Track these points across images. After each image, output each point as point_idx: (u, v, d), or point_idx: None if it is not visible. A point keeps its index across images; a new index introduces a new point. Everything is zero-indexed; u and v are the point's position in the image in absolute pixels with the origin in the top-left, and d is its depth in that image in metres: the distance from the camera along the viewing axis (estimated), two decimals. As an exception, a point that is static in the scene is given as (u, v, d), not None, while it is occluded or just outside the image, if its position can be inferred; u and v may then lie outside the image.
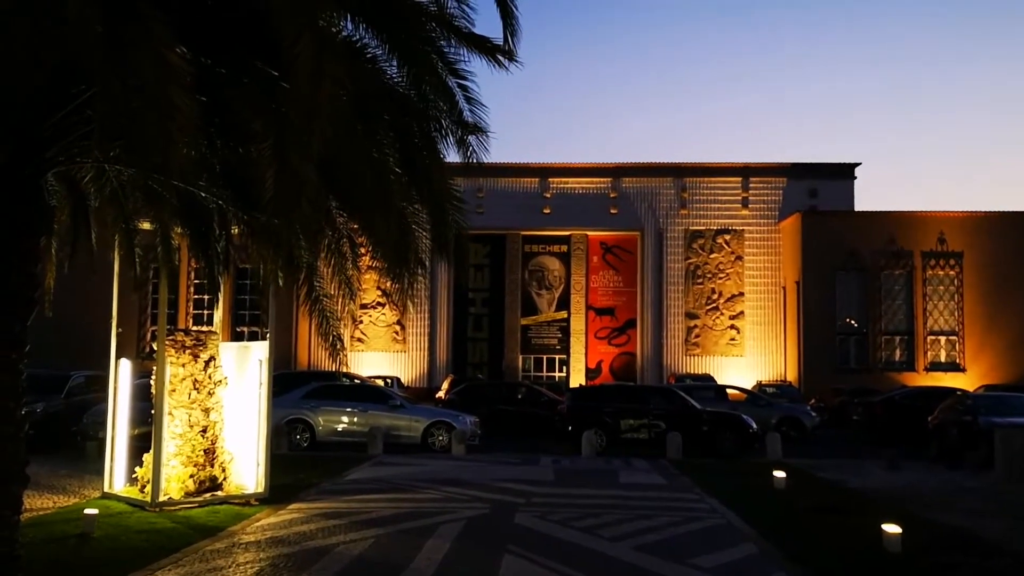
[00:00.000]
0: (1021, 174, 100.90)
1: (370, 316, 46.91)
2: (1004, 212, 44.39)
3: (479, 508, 12.40)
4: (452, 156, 9.23)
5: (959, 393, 25.72)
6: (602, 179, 49.09)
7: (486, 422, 23.62)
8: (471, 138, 8.96)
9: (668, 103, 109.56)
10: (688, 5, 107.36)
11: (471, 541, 10.19)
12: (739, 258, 48.23)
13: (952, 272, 43.48)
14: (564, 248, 49.47)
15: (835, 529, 11.26)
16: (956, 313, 43.29)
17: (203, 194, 9.53)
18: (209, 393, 12.58)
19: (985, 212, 44.59)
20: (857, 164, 49.81)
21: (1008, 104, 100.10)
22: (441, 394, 30.60)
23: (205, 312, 37.54)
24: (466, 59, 8.74)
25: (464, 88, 9.00)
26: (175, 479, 12.05)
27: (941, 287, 43.59)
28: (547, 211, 48.62)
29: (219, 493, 12.38)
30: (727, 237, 48.51)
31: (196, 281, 41.65)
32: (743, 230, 48.42)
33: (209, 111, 7.92)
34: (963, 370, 42.24)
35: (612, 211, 48.72)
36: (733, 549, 10.03)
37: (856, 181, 49.59)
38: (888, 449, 21.58)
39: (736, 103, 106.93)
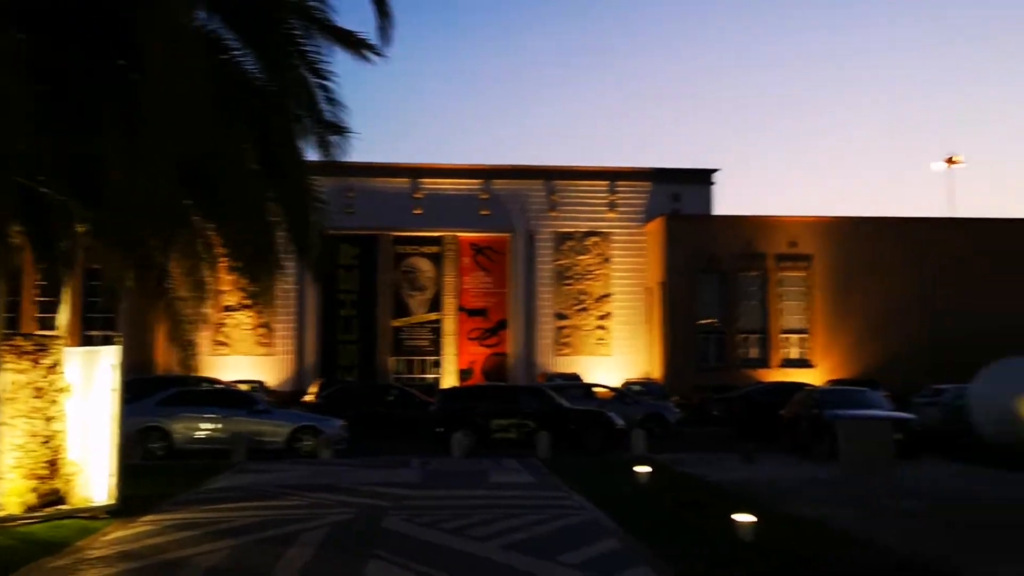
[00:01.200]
0: (868, 180, 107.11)
1: (235, 319, 45.52)
2: (850, 217, 47.05)
3: (345, 513, 12.16)
4: (314, 155, 9.01)
5: (808, 388, 27.02)
6: (473, 180, 49.27)
7: (356, 425, 23.25)
8: (332, 137, 8.76)
9: (537, 106, 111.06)
10: (558, 8, 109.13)
11: (335, 547, 9.98)
12: (607, 260, 49.29)
13: (802, 274, 45.71)
14: (436, 249, 49.36)
15: (695, 522, 11.59)
16: (806, 312, 45.54)
17: (44, 189, 8.96)
18: (52, 401, 11.84)
19: (833, 217, 47.14)
20: (716, 170, 51.78)
21: (857, 112, 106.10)
22: (309, 397, 29.98)
23: (52, 316, 35.60)
24: (328, 54, 8.57)
25: (325, 88, 8.81)
26: (15, 493, 11.31)
27: (793, 288, 45.77)
28: (418, 212, 48.41)
29: (64, 507, 11.68)
30: (595, 239, 49.49)
31: (43, 283, 39.45)
32: (610, 233, 49.51)
33: (53, 102, 7.45)
34: (812, 366, 44.44)
35: (483, 212, 48.96)
36: (598, 544, 10.19)
37: (714, 186, 51.56)
38: (745, 443, 22.39)
39: (602, 107, 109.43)
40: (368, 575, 8.71)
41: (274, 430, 20.92)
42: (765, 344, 45.56)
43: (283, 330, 46.43)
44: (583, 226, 49.51)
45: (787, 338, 45.66)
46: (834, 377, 41.05)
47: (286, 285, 35.84)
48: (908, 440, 19.30)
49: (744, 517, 10.27)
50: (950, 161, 51.25)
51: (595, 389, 30.13)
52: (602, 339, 48.83)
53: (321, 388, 31.38)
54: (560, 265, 49.27)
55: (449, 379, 47.16)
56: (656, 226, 47.59)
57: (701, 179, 51.20)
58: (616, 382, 38.61)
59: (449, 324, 49.00)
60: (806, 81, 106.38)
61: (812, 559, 9.38)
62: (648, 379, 43.55)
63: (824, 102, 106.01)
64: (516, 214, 49.27)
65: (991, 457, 18.93)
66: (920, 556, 9.40)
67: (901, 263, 44.52)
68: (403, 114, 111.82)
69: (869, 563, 9.26)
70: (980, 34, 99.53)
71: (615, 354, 48.22)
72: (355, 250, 47.58)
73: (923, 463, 18.62)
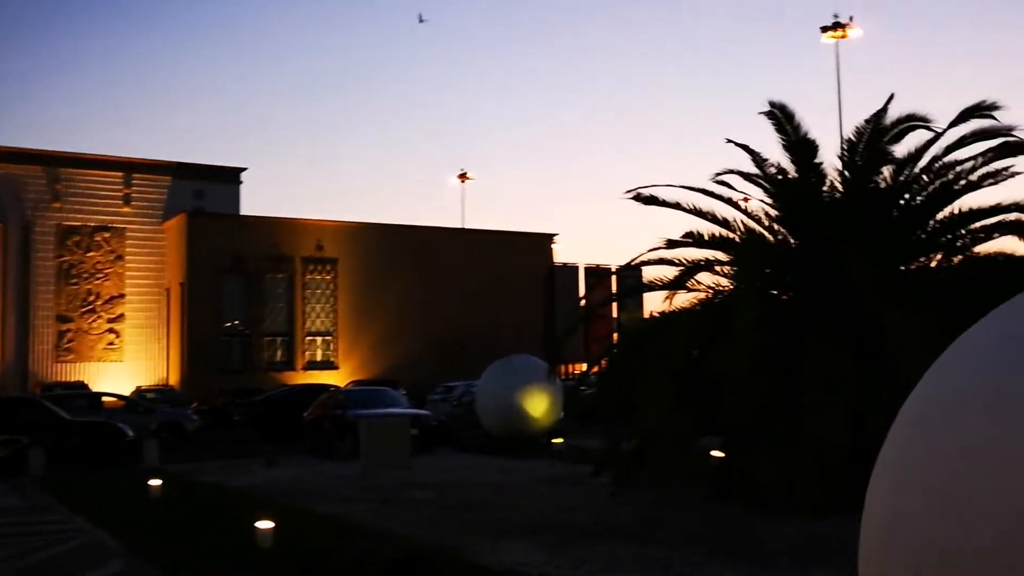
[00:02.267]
0: (390, 189, 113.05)
1: None
2: (372, 223, 49.29)
3: None
4: None
5: (332, 389, 27.68)
6: (-45, 161, 42.65)
7: None
8: None
9: (43, 89, 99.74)
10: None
11: None
12: (120, 257, 45.81)
13: (328, 276, 46.87)
14: (-98, 238, 41.81)
15: (213, 531, 11.14)
16: (331, 315, 46.74)
17: None
18: None
19: (358, 222, 49.01)
20: (243, 169, 50.96)
21: (389, 117, 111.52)
22: None
23: None
24: None
25: None
26: None
27: (319, 291, 46.72)
28: None
29: None
30: (107, 235, 45.73)
31: None
32: (125, 228, 46.14)
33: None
34: (337, 367, 45.76)
35: (-33, 199, 42.62)
36: (98, 570, 9.30)
37: (243, 186, 50.72)
38: (269, 446, 22.24)
39: (117, 96, 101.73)
40: None
41: None
42: (291, 346, 45.84)
43: None
44: (92, 220, 45.46)
45: (313, 340, 46.43)
46: (357, 378, 42.63)
47: None
48: (424, 435, 20.68)
49: (264, 523, 10.11)
50: (463, 177, 56.17)
51: (104, 398, 27.87)
52: (113, 344, 45.24)
53: None
54: (64, 262, 44.64)
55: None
56: (177, 223, 45.39)
57: (227, 177, 49.99)
58: (128, 390, 36.04)
59: (-80, 327, 41.84)
60: (332, 90, 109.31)
61: (329, 552, 9.52)
62: (165, 385, 41.36)
63: (352, 113, 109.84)
64: (9, 202, 43.60)
65: (495, 447, 20.95)
66: (425, 540, 10.03)
67: (416, 268, 47.64)
68: None
69: (380, 551, 9.67)
70: (500, 60, 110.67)
71: (128, 360, 44.99)
72: None
73: (437, 455, 20.04)
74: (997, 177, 12.07)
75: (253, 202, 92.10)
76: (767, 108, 12.78)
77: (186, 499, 13.93)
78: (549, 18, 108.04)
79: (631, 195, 13.64)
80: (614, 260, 58.58)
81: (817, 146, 12.57)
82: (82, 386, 37.42)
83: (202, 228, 44.36)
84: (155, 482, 14.47)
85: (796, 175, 12.69)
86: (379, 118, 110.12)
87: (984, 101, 11.89)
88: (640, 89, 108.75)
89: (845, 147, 12.51)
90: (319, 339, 46.70)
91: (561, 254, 54.82)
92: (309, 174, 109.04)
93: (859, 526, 3.78)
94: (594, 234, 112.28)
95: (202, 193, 48.27)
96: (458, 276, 48.30)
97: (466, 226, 53.85)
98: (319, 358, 46.40)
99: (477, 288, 48.23)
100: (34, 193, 44.44)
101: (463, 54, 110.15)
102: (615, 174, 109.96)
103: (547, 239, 54.30)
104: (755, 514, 10.49)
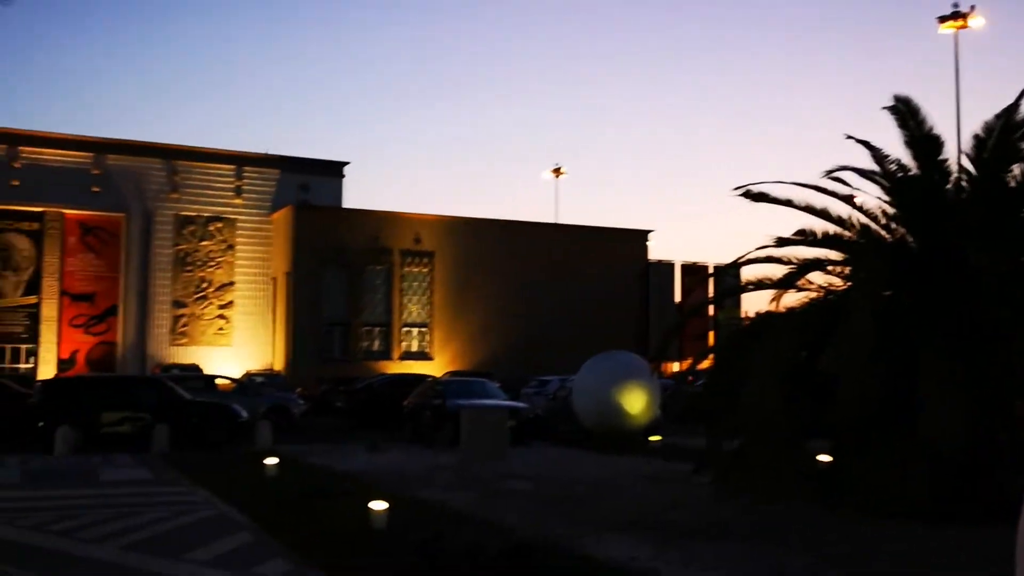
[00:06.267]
0: (485, 184, 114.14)
1: None
2: (470, 218, 49.85)
3: (-73, 521, 10.58)
4: None
5: (430, 379, 28.24)
6: (83, 153, 44.92)
7: (-71, 422, 20.20)
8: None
9: (158, 82, 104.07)
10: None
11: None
12: (231, 247, 47.59)
13: (425, 269, 47.63)
14: (36, 226, 44.29)
15: (328, 510, 11.63)
16: (427, 307, 47.49)
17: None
18: None
19: (454, 217, 49.61)
20: (346, 163, 52.23)
21: (485, 114, 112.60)
22: None
23: None
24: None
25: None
26: None
27: (416, 283, 47.51)
28: (15, 183, 43.09)
29: None
30: (219, 225, 47.55)
31: None
32: (236, 219, 47.89)
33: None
34: (431, 358, 46.50)
35: (94, 189, 44.90)
36: (228, 539, 9.86)
37: (345, 179, 51.96)
38: (369, 433, 22.89)
39: (230, 91, 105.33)
40: (-37, 588, 7.69)
41: None
42: (388, 337, 46.78)
43: None
44: (206, 210, 47.34)
45: (409, 331, 47.30)
46: (452, 369, 43.25)
47: None
48: (520, 428, 20.96)
49: (378, 504, 10.52)
50: (556, 172, 56.35)
51: (217, 381, 29.03)
52: (223, 329, 47.05)
53: None
54: (180, 250, 46.64)
55: (47, 369, 42.61)
56: (284, 215, 46.88)
57: (331, 171, 51.31)
58: (237, 373, 37.47)
59: (49, 309, 44.24)
60: (433, 87, 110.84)
61: (440, 538, 9.88)
62: (271, 370, 42.77)
63: (450, 109, 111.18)
64: (132, 193, 45.78)
65: (591, 443, 21.03)
66: (529, 530, 10.27)
67: (511, 263, 47.99)
68: (4, 74, 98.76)
69: (488, 539, 9.97)
70: (595, 56, 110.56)
71: (236, 345, 46.72)
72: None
73: (532, 448, 20.29)
74: None
75: (355, 196, 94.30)
76: (891, 103, 12.61)
77: (299, 479, 14.50)
78: (647, 12, 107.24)
79: (740, 192, 13.58)
80: (706, 257, 57.81)
81: (943, 142, 12.35)
82: (196, 368, 38.98)
83: (307, 220, 45.67)
84: (270, 461, 15.16)
85: (918, 172, 12.49)
86: (475, 113, 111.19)
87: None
88: (740, 84, 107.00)
89: (973, 143, 12.26)
90: (415, 330, 47.50)
91: (654, 251, 54.50)
92: (409, 169, 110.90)
93: (978, 533, 3.83)
94: (687, 232, 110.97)
95: (307, 186, 49.65)
96: (551, 271, 48.47)
97: (559, 221, 54.02)
98: (415, 349, 47.21)
99: (570, 283, 48.32)
100: (154, 185, 46.54)
101: (559, 48, 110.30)
102: (710, 171, 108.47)
103: (642, 235, 53.98)
104: (864, 519, 10.40)
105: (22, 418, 20.49)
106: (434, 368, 43.47)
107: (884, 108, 12.67)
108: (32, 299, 44.25)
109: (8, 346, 43.84)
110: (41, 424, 19.49)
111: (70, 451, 18.45)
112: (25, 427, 20.13)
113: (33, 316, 44.17)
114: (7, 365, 43.03)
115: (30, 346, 44.05)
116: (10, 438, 20.58)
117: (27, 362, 43.68)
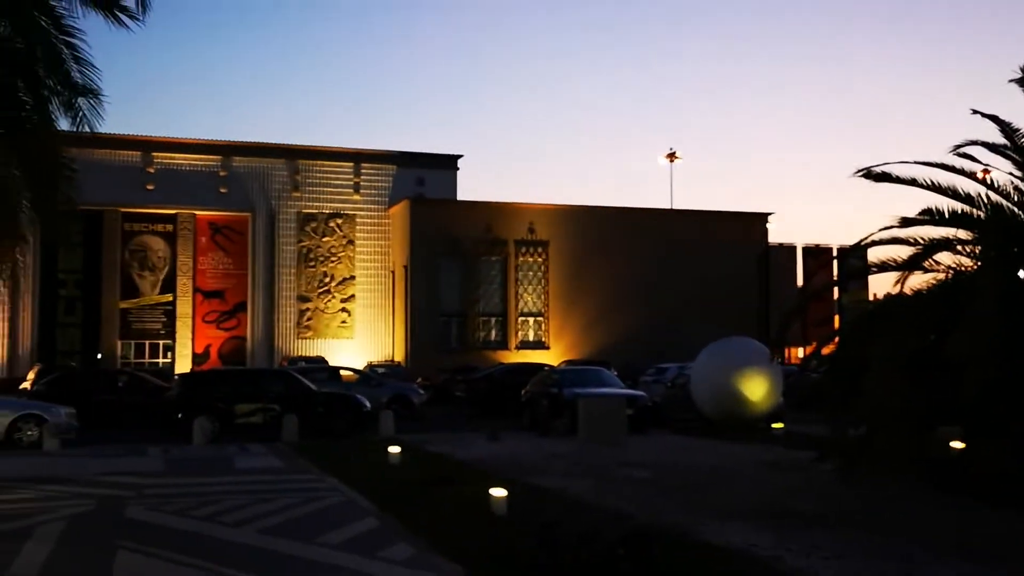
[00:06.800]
0: (599, 171, 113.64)
1: (-70, 301, 40.66)
2: (583, 206, 49.70)
3: (84, 505, 11.39)
4: (63, 124, 8.31)
5: (546, 368, 28.36)
6: (211, 156, 47.04)
7: (83, 414, 21.52)
8: (81, 101, 8.11)
9: (278, 83, 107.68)
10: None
11: (77, 540, 9.35)
12: (351, 242, 48.94)
13: (540, 259, 47.75)
14: (170, 227, 46.67)
15: (450, 496, 11.92)
16: (542, 296, 47.64)
17: None
18: None
19: (567, 205, 49.56)
20: (460, 156, 52.84)
21: (595, 101, 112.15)
22: (27, 385, 27.45)
23: None
24: (77, 13, 7.93)
25: (71, 46, 8.15)
26: None
27: (531, 272, 47.71)
28: (150, 187, 45.52)
29: None
30: (339, 221, 48.96)
31: None
32: (355, 215, 49.19)
33: None
34: (547, 347, 46.66)
35: (222, 190, 46.94)
36: (356, 524, 10.25)
37: (459, 172, 52.62)
38: (489, 421, 23.19)
39: (346, 89, 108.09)
40: (117, 566, 8.26)
41: (-10, 420, 19.04)
42: (504, 326, 47.20)
43: (-8, 312, 42.07)
44: (327, 207, 48.83)
45: (525, 320, 47.60)
46: (568, 358, 43.27)
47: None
48: (638, 416, 20.86)
49: (498, 491, 10.73)
50: (671, 156, 55.58)
51: (341, 372, 29.93)
52: (345, 322, 48.49)
53: (39, 374, 28.81)
54: (303, 246, 48.31)
55: (183, 363, 44.91)
56: (400, 209, 47.88)
57: (445, 164, 52.06)
58: (359, 365, 38.56)
59: (184, 306, 46.59)
60: (542, 76, 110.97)
61: (559, 523, 10.01)
62: (391, 361, 43.80)
63: (559, 97, 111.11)
64: (257, 193, 47.68)
65: (710, 430, 20.77)
66: (648, 518, 10.29)
67: (626, 250, 47.62)
68: (137, 84, 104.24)
69: (607, 525, 10.03)
70: (707, 38, 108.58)
71: (358, 337, 48.07)
72: (78, 226, 43.89)
73: (650, 436, 20.21)
74: None
75: (468, 187, 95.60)
76: (1018, 75, 12.03)
77: (421, 466, 14.87)
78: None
79: (861, 173, 13.18)
80: (827, 239, 55.99)
81: None
82: (322, 360, 40.29)
83: (422, 213, 46.52)
84: (394, 449, 15.61)
85: None
86: (587, 100, 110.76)
87: None
88: (852, 66, 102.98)
89: None
90: (531, 319, 47.73)
91: (774, 234, 53.10)
92: (520, 158, 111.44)
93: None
94: (806, 215, 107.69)
95: (423, 180, 50.54)
96: (668, 257, 47.86)
97: (675, 206, 53.27)
98: (531, 338, 47.45)
99: (688, 269, 47.63)
100: (278, 183, 48.34)
101: (672, 32, 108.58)
102: (828, 153, 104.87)
103: (761, 218, 52.64)
104: (996, 508, 10.01)
105: (162, 410, 21.72)
106: (550, 357, 43.64)
107: (1011, 81, 12.08)
108: (168, 297, 46.70)
109: (147, 342, 46.41)
110: (180, 415, 20.60)
111: (207, 441, 19.42)
112: (165, 418, 21.33)
113: (169, 313, 46.59)
114: (146, 360, 45.58)
115: (167, 342, 46.52)
116: (149, 429, 21.85)
117: (164, 357, 46.13)
